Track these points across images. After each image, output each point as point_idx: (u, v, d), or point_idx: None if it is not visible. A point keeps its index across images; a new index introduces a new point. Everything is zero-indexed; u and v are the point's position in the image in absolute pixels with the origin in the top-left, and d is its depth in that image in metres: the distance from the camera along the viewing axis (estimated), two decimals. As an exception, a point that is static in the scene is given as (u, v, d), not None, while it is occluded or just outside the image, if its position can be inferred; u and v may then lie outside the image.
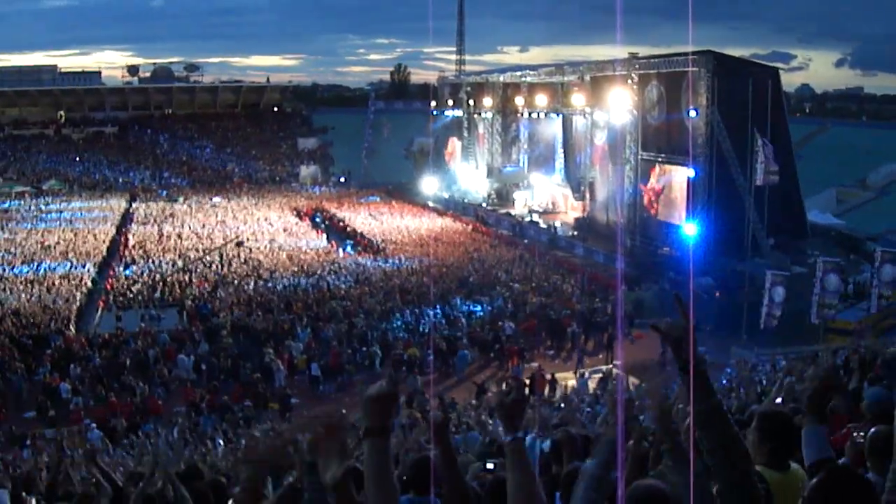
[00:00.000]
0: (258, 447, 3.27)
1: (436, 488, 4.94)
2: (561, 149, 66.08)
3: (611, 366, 33.58)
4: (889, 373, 13.01)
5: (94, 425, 26.12)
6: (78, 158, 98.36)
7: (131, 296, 43.92)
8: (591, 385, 31.00)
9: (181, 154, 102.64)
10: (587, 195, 61.43)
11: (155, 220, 69.19)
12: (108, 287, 46.04)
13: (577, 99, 60.28)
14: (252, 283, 45.73)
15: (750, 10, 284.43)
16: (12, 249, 56.56)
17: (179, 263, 50.73)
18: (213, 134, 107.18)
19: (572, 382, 32.46)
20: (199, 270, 48.97)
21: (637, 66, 53.40)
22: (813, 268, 38.25)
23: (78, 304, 42.48)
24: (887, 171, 68.52)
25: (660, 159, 52.93)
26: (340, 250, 56.53)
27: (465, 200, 76.85)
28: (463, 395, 30.35)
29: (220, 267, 49.89)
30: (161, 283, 45.74)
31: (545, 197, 70.46)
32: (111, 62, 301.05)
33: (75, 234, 62.00)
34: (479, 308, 41.13)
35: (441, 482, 4.32)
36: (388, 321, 38.76)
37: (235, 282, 46.10)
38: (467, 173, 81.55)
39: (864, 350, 19.63)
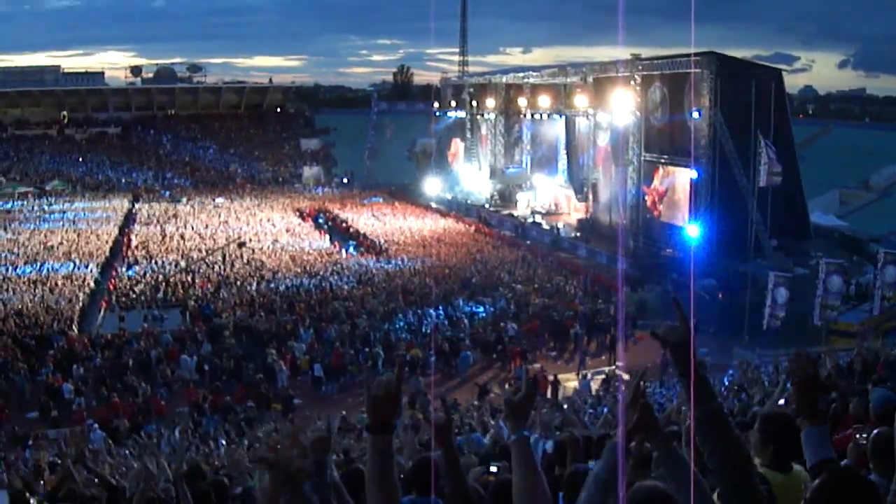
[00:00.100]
0: (279, 449, 3.25)
1: (437, 489, 4.95)
2: (564, 150, 66.04)
3: (613, 367, 33.57)
4: (892, 374, 13.02)
5: (96, 426, 26.11)
6: (81, 159, 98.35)
7: (134, 296, 43.90)
8: (594, 386, 31.01)
9: (184, 155, 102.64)
10: (590, 196, 61.42)
11: (158, 221, 69.19)
12: (111, 287, 46.03)
13: (580, 100, 60.24)
14: (255, 284, 45.74)
15: (753, 12, 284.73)
16: (15, 250, 56.57)
17: (182, 264, 50.72)
18: (216, 134, 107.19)
19: (574, 384, 32.48)
20: (202, 271, 48.96)
21: (640, 68, 53.39)
22: (816, 269, 38.22)
23: (81, 304, 42.48)
24: (890, 172, 68.50)
25: (663, 160, 52.92)
26: (343, 251, 56.51)
27: (468, 201, 76.87)
28: (465, 396, 30.38)
29: (222, 268, 49.86)
30: (164, 284, 45.74)
31: (548, 198, 70.47)
32: (114, 63, 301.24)
33: (78, 235, 62.02)
34: (481, 309, 41.12)
35: (443, 483, 4.32)
36: (390, 322, 38.74)
37: (238, 282, 46.10)
38: (470, 174, 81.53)
39: (867, 352, 19.64)
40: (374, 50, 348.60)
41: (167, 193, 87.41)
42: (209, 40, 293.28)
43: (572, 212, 65.37)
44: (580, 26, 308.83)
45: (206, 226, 66.42)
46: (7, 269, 50.22)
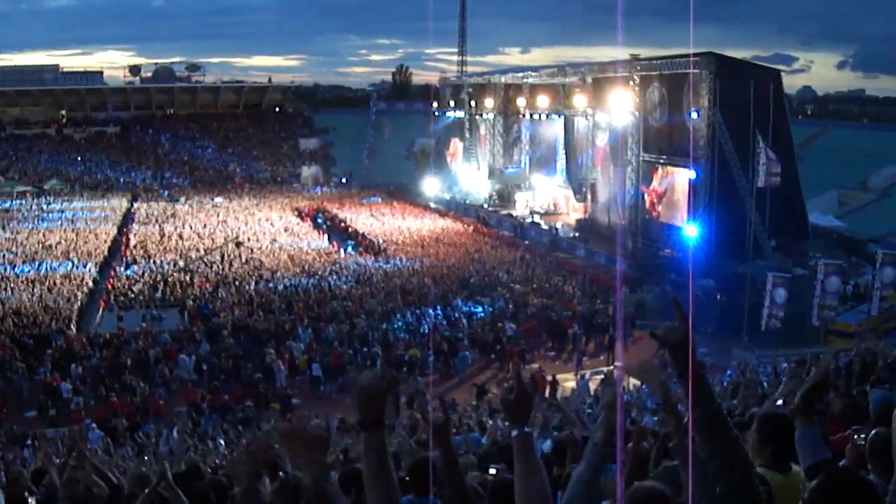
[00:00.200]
0: (254, 446, 3.27)
1: (435, 489, 4.95)
2: (562, 150, 66.03)
3: (612, 367, 33.56)
4: (891, 375, 13.03)
5: (94, 425, 26.10)
6: (80, 158, 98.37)
7: (132, 296, 43.91)
8: (592, 386, 31.03)
9: (183, 154, 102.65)
10: (588, 196, 61.43)
11: (156, 220, 69.15)
12: (110, 287, 46.03)
13: (579, 100, 60.24)
14: (253, 284, 45.74)
15: (752, 12, 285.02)
16: (14, 249, 56.53)
17: (181, 263, 50.71)
18: (215, 134, 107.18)
19: (572, 384, 32.49)
20: (200, 271, 48.95)
21: (638, 68, 53.41)
22: (814, 270, 38.26)
23: (79, 303, 42.47)
24: (889, 173, 68.53)
25: (661, 161, 52.94)
26: (342, 251, 56.50)
27: (467, 201, 76.88)
28: (464, 396, 30.42)
29: (221, 267, 49.85)
30: (162, 283, 45.74)
31: (546, 198, 70.46)
32: (113, 62, 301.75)
33: (77, 234, 62.00)
34: (480, 309, 41.12)
35: (441, 483, 4.32)
36: (389, 322, 38.75)
37: (237, 282, 46.09)
38: (469, 174, 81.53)
39: (865, 352, 19.65)
40: (373, 50, 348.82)
41: (166, 193, 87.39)
42: (208, 40, 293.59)
43: (571, 212, 65.38)
44: (579, 26, 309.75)
45: (205, 225, 66.40)
46: (5, 269, 50.21)
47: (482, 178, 78.61)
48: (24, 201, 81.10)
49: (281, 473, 5.99)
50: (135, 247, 57.09)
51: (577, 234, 59.38)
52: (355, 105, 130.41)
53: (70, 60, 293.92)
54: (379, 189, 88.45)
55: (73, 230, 63.99)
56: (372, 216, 71.50)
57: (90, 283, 46.94)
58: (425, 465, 5.38)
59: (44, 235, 61.63)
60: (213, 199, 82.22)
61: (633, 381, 26.46)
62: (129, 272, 48.95)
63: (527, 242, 59.64)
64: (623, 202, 54.82)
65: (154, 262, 51.34)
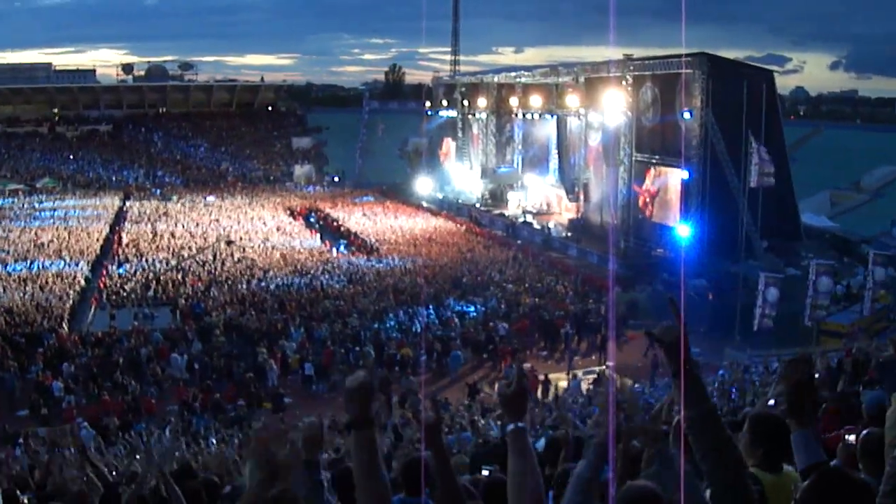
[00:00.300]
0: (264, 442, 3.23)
1: (427, 489, 4.94)
2: (555, 150, 65.99)
3: (604, 367, 33.60)
4: (883, 376, 13.05)
5: (86, 424, 26.06)
6: (72, 156, 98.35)
7: (125, 294, 43.85)
8: (584, 386, 31.03)
9: (175, 153, 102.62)
10: (581, 196, 61.40)
11: (149, 219, 69.10)
12: (102, 286, 45.96)
13: (572, 100, 60.20)
14: (246, 283, 45.70)
15: (745, 13, 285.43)
16: (5, 247, 56.48)
17: (173, 262, 50.67)
18: (208, 133, 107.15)
19: (564, 383, 32.51)
20: (192, 269, 48.88)
21: (631, 68, 53.39)
22: (806, 270, 38.30)
23: (71, 302, 42.41)
24: (881, 173, 68.71)
25: (654, 161, 52.98)
26: (334, 250, 56.48)
27: (459, 201, 76.81)
28: (456, 396, 30.40)
29: (213, 266, 49.79)
30: (154, 282, 45.68)
31: (539, 198, 70.46)
32: (106, 60, 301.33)
33: (69, 233, 61.92)
34: (472, 309, 41.11)
35: (433, 483, 4.32)
36: (381, 321, 38.73)
37: (229, 281, 46.04)
38: (461, 174, 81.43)
39: (858, 352, 19.67)
40: (367, 49, 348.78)
41: (158, 191, 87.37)
42: (201, 38, 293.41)
43: (563, 211, 65.34)
44: (572, 26, 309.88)
45: (197, 224, 66.34)
46: (-3, 267, 50.12)
47: (475, 178, 78.51)
48: (16, 199, 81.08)
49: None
50: (127, 245, 57.04)
51: (569, 234, 59.36)
52: (348, 104, 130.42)
53: (63, 59, 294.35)
54: (371, 188, 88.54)
55: (65, 228, 63.92)
56: (364, 215, 71.48)
57: (82, 282, 46.88)
58: (417, 464, 5.38)
59: (36, 234, 61.58)
60: (205, 198, 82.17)
61: (626, 381, 26.47)
62: (121, 271, 48.91)
63: (519, 242, 59.67)
64: (615, 202, 54.78)
65: (146, 261, 51.29)
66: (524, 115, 70.37)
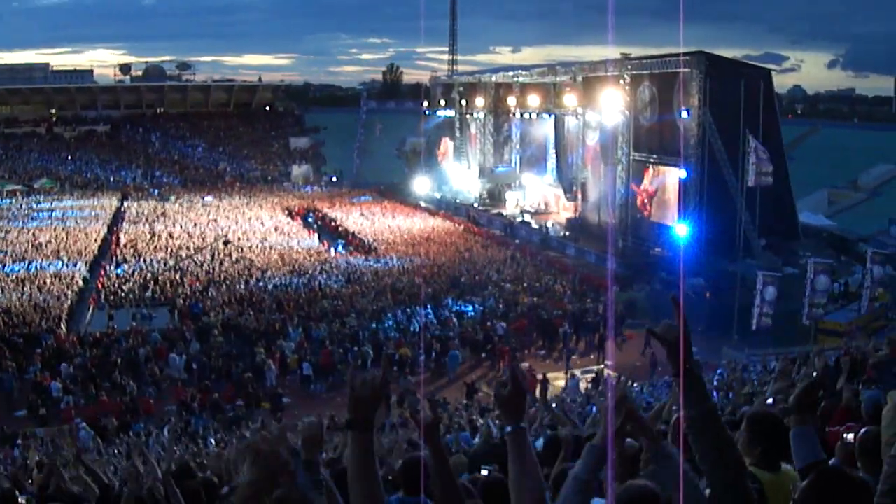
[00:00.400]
0: (262, 443, 3.21)
1: (426, 488, 4.95)
2: (553, 149, 66.01)
3: (602, 366, 33.62)
4: (879, 375, 13.07)
5: (84, 424, 26.05)
6: (70, 157, 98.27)
7: (123, 295, 43.83)
8: (583, 385, 31.06)
9: (173, 153, 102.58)
10: (579, 195, 61.48)
11: (146, 219, 69.07)
12: (100, 286, 45.93)
13: (570, 99, 60.25)
14: (244, 283, 45.69)
15: (742, 11, 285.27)
16: (3, 248, 56.43)
17: (171, 262, 50.66)
18: (205, 133, 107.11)
19: (562, 383, 32.53)
20: (190, 270, 48.86)
21: (629, 67, 53.41)
22: (804, 269, 38.31)
23: (69, 302, 42.38)
24: (879, 172, 68.65)
25: (652, 160, 53.00)
26: (332, 250, 56.46)
27: (457, 200, 76.86)
28: (454, 395, 30.43)
29: (211, 266, 49.76)
30: (152, 282, 45.66)
31: (537, 197, 70.51)
32: (103, 61, 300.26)
33: (67, 233, 61.86)
34: (470, 308, 41.12)
35: (432, 482, 4.32)
36: (379, 321, 38.74)
37: (227, 281, 46.03)
38: (459, 173, 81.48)
39: (856, 351, 19.67)
40: (364, 49, 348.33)
41: (156, 192, 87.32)
42: (199, 38, 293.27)
43: (561, 211, 65.40)
44: (570, 26, 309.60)
45: (195, 224, 66.29)
46: (-5, 268, 50.09)
47: (473, 177, 78.55)
48: (13, 200, 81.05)
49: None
50: (125, 246, 56.99)
51: (567, 233, 59.40)
52: (346, 104, 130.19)
53: (60, 59, 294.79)
54: (369, 188, 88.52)
55: (63, 229, 63.84)
56: (362, 215, 71.42)
57: (80, 283, 46.86)
58: (416, 464, 5.38)
59: (34, 234, 61.51)
60: (203, 198, 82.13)
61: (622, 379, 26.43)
62: (119, 271, 48.88)
63: (517, 241, 59.66)
64: (613, 201, 54.78)
65: (144, 261, 51.26)
66: (522, 115, 70.44)
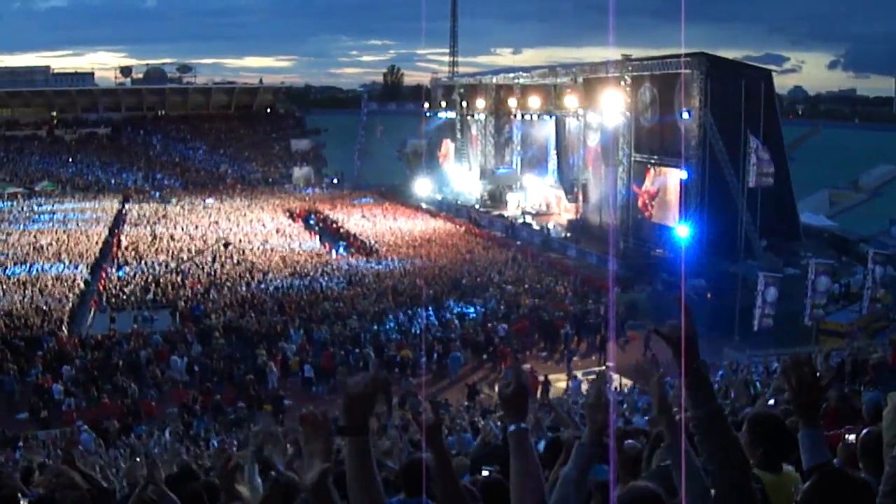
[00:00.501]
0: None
1: (427, 490, 4.95)
2: (554, 150, 66.04)
3: (603, 367, 33.59)
4: (878, 377, 13.11)
5: (86, 427, 26.06)
6: (70, 159, 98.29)
7: (124, 297, 43.84)
8: (585, 387, 31.02)
9: (174, 155, 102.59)
10: (580, 197, 61.45)
11: (148, 222, 69.14)
12: (101, 288, 45.95)
13: (570, 101, 60.26)
14: (245, 285, 45.69)
15: (743, 12, 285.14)
16: (5, 250, 56.47)
17: (172, 265, 50.69)
18: (206, 135, 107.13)
19: (563, 384, 32.54)
20: (191, 272, 48.87)
21: (630, 68, 53.41)
22: (805, 269, 38.29)
23: (70, 305, 42.40)
24: (880, 172, 68.62)
25: (653, 161, 53.00)
26: (333, 252, 56.46)
27: (458, 202, 76.84)
28: (456, 397, 30.42)
29: (212, 269, 49.78)
30: (154, 285, 45.69)
31: (538, 198, 70.50)
32: (104, 63, 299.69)
33: (68, 236, 61.90)
34: (471, 310, 41.11)
35: (435, 485, 4.31)
36: (380, 323, 38.74)
37: (228, 283, 46.03)
38: (460, 175, 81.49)
39: (857, 352, 19.71)
40: (365, 50, 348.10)
41: (157, 194, 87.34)
42: (199, 41, 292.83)
43: (562, 212, 65.39)
44: (570, 27, 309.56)
45: (196, 227, 66.36)
46: (-4, 270, 50.11)
47: (474, 179, 78.58)
48: (14, 203, 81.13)
49: (272, 473, 5.98)
50: (126, 248, 57.04)
51: (568, 235, 59.40)
52: (347, 106, 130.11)
53: (61, 62, 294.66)
54: (370, 190, 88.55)
55: (64, 231, 63.91)
56: (364, 217, 71.46)
57: (81, 285, 46.87)
58: (417, 465, 5.38)
59: (35, 237, 61.56)
60: (204, 201, 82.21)
61: (626, 382, 26.50)
62: (120, 273, 48.91)
63: (518, 243, 59.67)
64: (615, 202, 54.76)
65: (145, 264, 51.31)
66: (523, 116, 70.42)
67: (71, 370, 32.59)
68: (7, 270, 50.07)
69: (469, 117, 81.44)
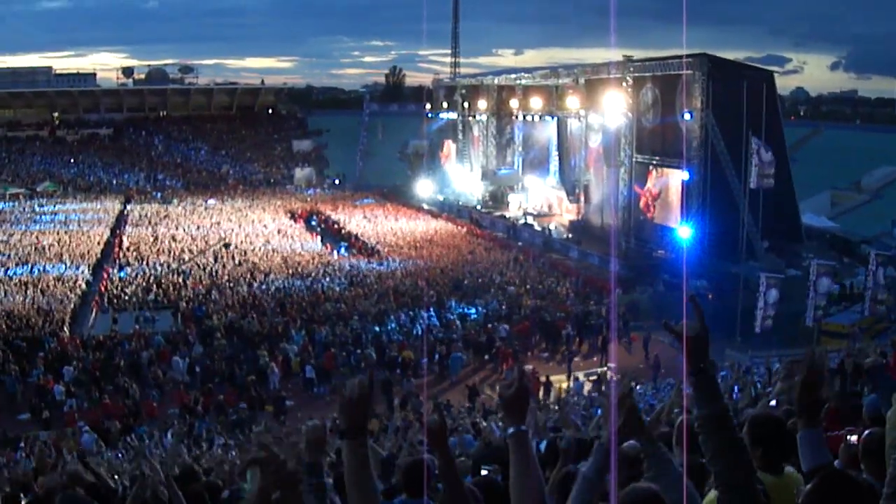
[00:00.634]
0: (271, 449, 3.20)
1: (429, 490, 4.94)
2: (555, 151, 66.02)
3: (605, 368, 33.63)
4: (871, 380, 13.11)
5: (87, 427, 26.07)
6: (72, 160, 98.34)
7: (126, 298, 43.84)
8: (587, 388, 31.05)
9: (176, 156, 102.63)
10: (582, 198, 61.41)
11: (149, 222, 69.16)
12: (102, 289, 45.96)
13: (572, 101, 60.27)
14: (246, 286, 45.69)
15: (745, 13, 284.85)
16: (6, 251, 56.50)
17: (174, 265, 50.70)
18: (208, 136, 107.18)
19: (564, 385, 32.54)
20: (193, 272, 48.87)
21: (632, 69, 53.40)
22: (807, 271, 38.29)
23: (72, 305, 42.41)
24: (881, 174, 68.61)
25: (654, 162, 52.98)
26: (335, 252, 56.44)
27: (460, 203, 76.79)
28: (457, 398, 30.42)
29: (214, 269, 49.78)
30: (155, 285, 45.70)
31: (540, 199, 70.46)
32: (106, 64, 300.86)
33: (70, 236, 61.95)
34: (473, 311, 41.10)
35: (435, 485, 4.31)
36: (382, 324, 38.74)
37: (230, 284, 46.03)
38: (462, 176, 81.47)
39: (859, 353, 19.69)
40: (367, 51, 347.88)
41: (159, 195, 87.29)
42: (201, 41, 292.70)
43: (564, 213, 65.35)
44: (572, 28, 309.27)
45: (198, 227, 66.39)
46: (-2, 271, 50.14)
47: (475, 180, 78.56)
48: (16, 203, 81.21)
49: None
50: (128, 249, 57.06)
51: (570, 236, 59.35)
52: (348, 107, 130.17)
53: (63, 62, 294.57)
54: (372, 191, 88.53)
55: (65, 232, 63.96)
56: (365, 218, 71.42)
57: (83, 286, 46.88)
58: (419, 466, 5.37)
59: (36, 237, 61.57)
60: (206, 201, 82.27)
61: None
62: (122, 274, 48.90)
63: (520, 244, 59.61)
64: (616, 203, 54.76)
65: (147, 265, 51.31)
66: (524, 117, 70.36)
67: (72, 371, 32.60)
68: (9, 271, 50.10)
69: (471, 118, 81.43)
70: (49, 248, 57.20)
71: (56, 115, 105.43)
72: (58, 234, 63.24)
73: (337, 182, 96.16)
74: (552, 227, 62.50)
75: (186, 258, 53.24)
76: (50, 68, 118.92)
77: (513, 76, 73.76)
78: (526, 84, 69.88)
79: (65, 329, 38.51)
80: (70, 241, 59.79)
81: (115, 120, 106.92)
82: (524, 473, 3.56)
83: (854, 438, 5.52)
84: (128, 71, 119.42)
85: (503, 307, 41.33)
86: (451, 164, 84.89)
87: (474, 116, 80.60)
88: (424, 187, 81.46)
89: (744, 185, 44.92)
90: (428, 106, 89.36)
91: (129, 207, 78.92)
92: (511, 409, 3.66)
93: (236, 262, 52.04)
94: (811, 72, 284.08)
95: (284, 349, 35.25)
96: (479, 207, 73.81)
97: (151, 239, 60.75)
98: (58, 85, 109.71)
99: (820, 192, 66.09)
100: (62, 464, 12.83)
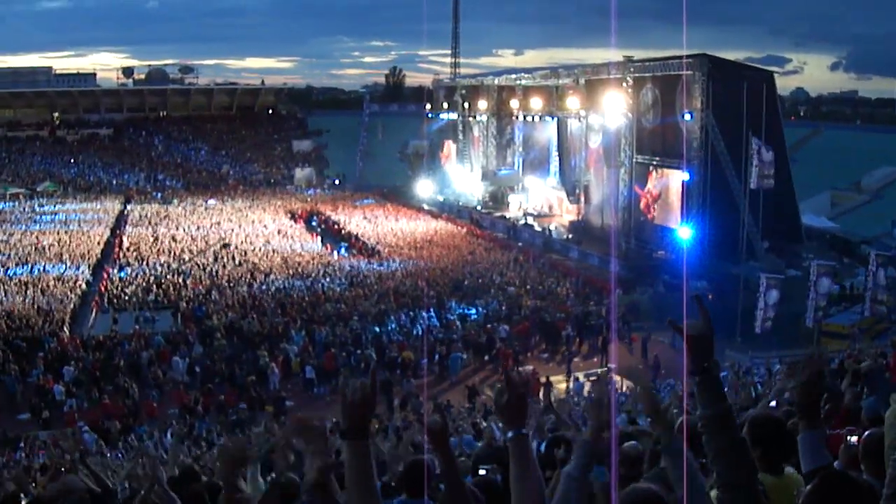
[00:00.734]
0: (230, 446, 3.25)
1: (429, 491, 4.94)
2: (556, 152, 66.03)
3: (605, 369, 33.61)
4: (869, 382, 13.12)
5: (87, 427, 26.07)
6: (72, 160, 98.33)
7: (126, 298, 43.82)
8: (587, 388, 31.02)
9: (176, 156, 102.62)
10: (582, 198, 61.39)
11: (150, 223, 69.13)
12: (103, 289, 45.95)
13: (572, 102, 60.25)
14: (246, 286, 45.68)
15: (745, 14, 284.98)
16: (6, 251, 56.48)
17: (174, 266, 50.69)
18: (208, 136, 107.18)
19: (563, 385, 32.55)
20: (193, 272, 48.86)
21: (632, 70, 53.38)
22: (807, 271, 38.28)
23: (72, 306, 42.39)
24: (881, 174, 68.61)
25: (654, 162, 52.97)
26: (335, 253, 56.42)
27: (460, 203, 76.73)
28: (457, 398, 30.43)
29: (214, 269, 49.77)
30: (155, 286, 45.68)
31: (540, 200, 70.46)
32: (106, 64, 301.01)
33: (70, 236, 61.93)
34: (473, 311, 41.10)
35: (436, 485, 4.31)
36: (382, 324, 38.73)
37: (230, 284, 46.01)
38: (462, 176, 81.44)
39: (858, 354, 19.69)
40: (367, 52, 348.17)
41: (159, 195, 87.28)
42: (201, 42, 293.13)
43: (564, 213, 65.36)
44: (572, 29, 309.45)
45: (198, 227, 66.36)
46: (-2, 271, 50.13)
47: (475, 180, 78.52)
48: (16, 203, 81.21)
49: (272, 475, 5.99)
50: (128, 249, 57.02)
51: (570, 236, 59.32)
52: (348, 107, 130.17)
53: (63, 62, 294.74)
54: (372, 191, 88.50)
55: (66, 232, 63.94)
56: (365, 218, 71.37)
57: (83, 286, 46.86)
58: (419, 466, 5.38)
59: (36, 237, 61.54)
60: (206, 202, 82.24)
61: (627, 383, 26.47)
62: (122, 274, 48.88)
63: (520, 244, 59.53)
64: (616, 204, 54.75)
65: (147, 265, 51.28)
66: (525, 118, 70.34)
67: (72, 371, 32.61)
68: (9, 271, 50.07)
69: (471, 118, 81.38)
70: (49, 248, 57.17)
71: (56, 115, 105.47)
72: (58, 234, 63.23)
73: (337, 182, 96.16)
74: (552, 227, 62.48)
75: (186, 258, 53.23)
76: (50, 68, 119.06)
77: (513, 76, 73.72)
78: (526, 84, 69.87)
79: (65, 329, 38.49)
80: (70, 242, 59.78)
81: (116, 120, 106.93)
82: (524, 476, 3.57)
83: (854, 439, 5.52)
84: (128, 71, 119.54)
85: (503, 308, 41.32)
86: (452, 165, 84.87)
87: (474, 117, 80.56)
88: (424, 188, 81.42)
89: (744, 186, 44.90)
90: (428, 106, 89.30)
91: (129, 207, 78.90)
92: (507, 414, 3.66)
93: (236, 262, 52.02)
94: (811, 72, 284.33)
95: (284, 349, 35.25)
96: (479, 208, 73.77)
97: (151, 239, 60.73)
98: (58, 85, 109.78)
99: (820, 192, 66.09)
100: (63, 466, 12.79)
